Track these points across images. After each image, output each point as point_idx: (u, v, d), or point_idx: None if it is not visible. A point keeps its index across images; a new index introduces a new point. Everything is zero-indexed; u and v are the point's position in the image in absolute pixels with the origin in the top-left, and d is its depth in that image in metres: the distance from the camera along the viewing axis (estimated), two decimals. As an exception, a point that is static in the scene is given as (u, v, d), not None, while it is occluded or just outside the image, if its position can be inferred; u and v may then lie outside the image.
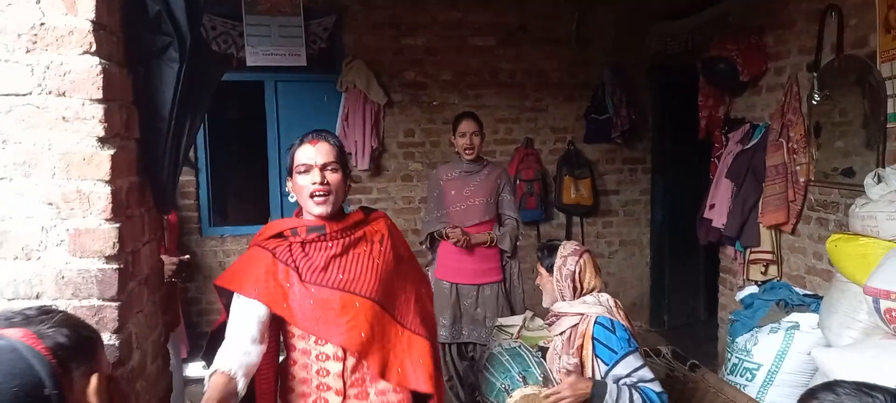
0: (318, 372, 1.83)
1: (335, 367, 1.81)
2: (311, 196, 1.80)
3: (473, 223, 3.54)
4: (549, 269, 2.32)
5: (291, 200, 1.89)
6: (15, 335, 1.06)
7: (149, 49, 1.56)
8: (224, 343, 1.74)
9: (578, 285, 2.27)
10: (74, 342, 1.10)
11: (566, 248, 2.32)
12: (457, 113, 4.71)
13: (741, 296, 3.73)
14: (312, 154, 1.83)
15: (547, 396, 2.10)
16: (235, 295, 1.78)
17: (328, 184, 1.81)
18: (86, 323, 1.21)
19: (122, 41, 1.56)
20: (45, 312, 1.15)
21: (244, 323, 1.74)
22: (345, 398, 1.82)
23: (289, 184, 1.91)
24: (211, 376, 1.66)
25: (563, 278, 2.27)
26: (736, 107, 4.27)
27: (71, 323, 1.15)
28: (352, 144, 4.84)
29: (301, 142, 1.88)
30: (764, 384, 3.24)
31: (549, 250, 2.35)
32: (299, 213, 1.92)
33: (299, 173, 1.83)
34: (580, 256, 2.29)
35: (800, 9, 3.62)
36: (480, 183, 3.54)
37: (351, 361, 1.80)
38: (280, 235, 1.86)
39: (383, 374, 1.77)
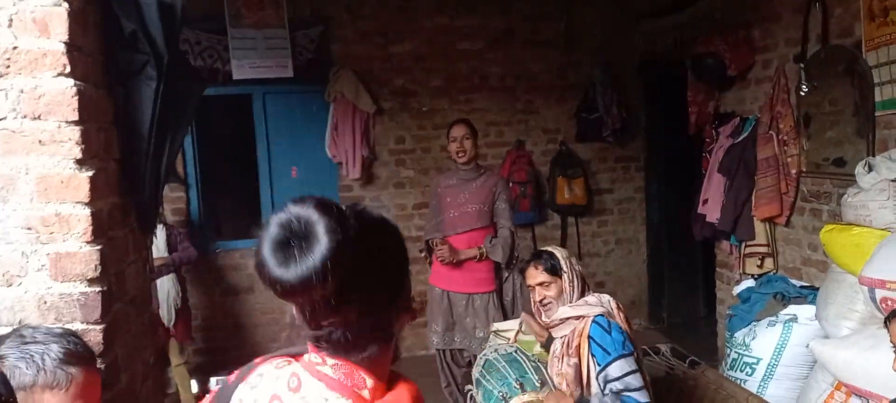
0: None
1: None
2: None
3: (466, 229, 3.53)
4: (555, 272, 2.32)
5: None
6: None
7: (126, 68, 1.54)
8: None
9: (583, 282, 2.34)
10: None
11: (562, 252, 2.37)
12: (447, 118, 4.75)
13: (738, 291, 3.73)
14: None
15: None
16: None
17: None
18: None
19: (99, 62, 1.55)
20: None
21: None
22: None
23: None
24: None
25: (577, 276, 2.32)
26: (725, 101, 4.26)
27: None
28: (342, 154, 4.83)
29: None
30: (764, 378, 3.23)
31: (547, 255, 2.37)
32: None
33: None
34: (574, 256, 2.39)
35: (785, 1, 3.62)
36: (476, 190, 3.53)
37: None
38: None
39: None
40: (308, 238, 0.86)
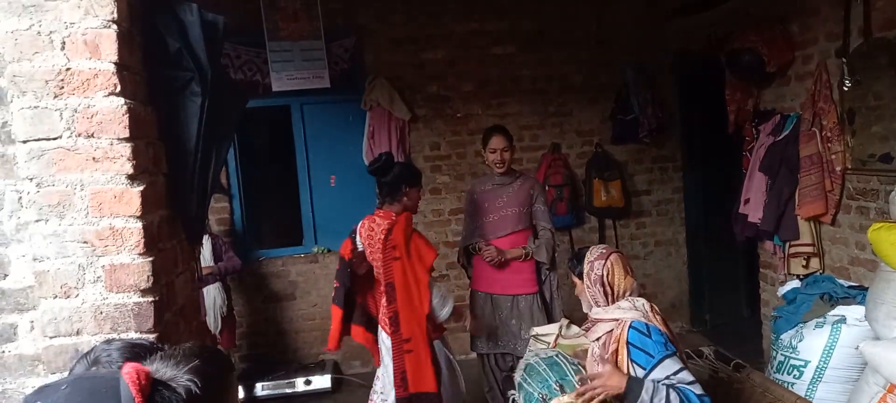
0: None
1: None
2: None
3: (506, 233, 3.54)
4: (581, 276, 2.29)
5: None
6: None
7: (171, 85, 1.60)
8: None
9: (609, 288, 2.23)
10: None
11: (592, 253, 2.29)
12: (481, 123, 4.76)
13: (783, 292, 3.64)
14: None
15: (581, 391, 2.08)
16: None
17: None
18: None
19: (145, 79, 1.61)
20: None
21: None
22: None
23: None
24: None
25: (593, 283, 2.24)
26: (765, 98, 4.18)
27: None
28: (379, 161, 4.89)
29: None
30: (812, 380, 3.15)
31: (577, 258, 2.33)
32: None
33: None
34: (606, 259, 2.25)
35: (823, -6, 3.54)
36: (513, 194, 3.55)
37: None
38: None
39: None
40: (390, 166, 3.10)
